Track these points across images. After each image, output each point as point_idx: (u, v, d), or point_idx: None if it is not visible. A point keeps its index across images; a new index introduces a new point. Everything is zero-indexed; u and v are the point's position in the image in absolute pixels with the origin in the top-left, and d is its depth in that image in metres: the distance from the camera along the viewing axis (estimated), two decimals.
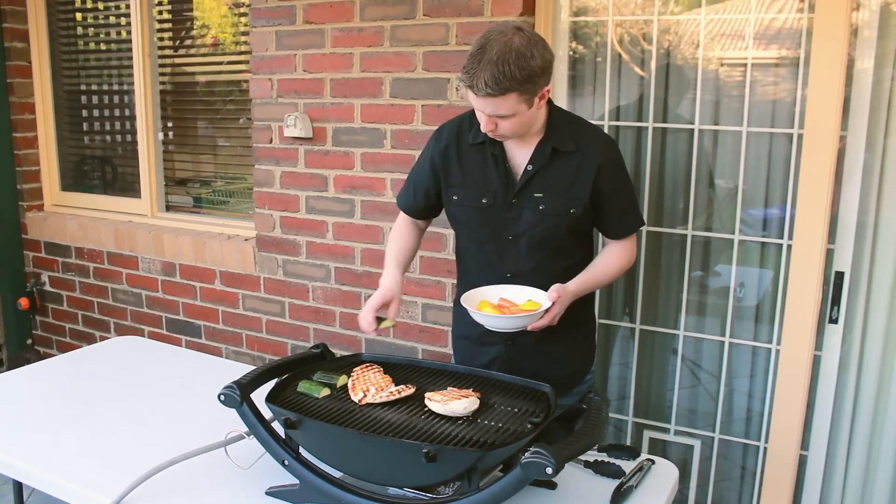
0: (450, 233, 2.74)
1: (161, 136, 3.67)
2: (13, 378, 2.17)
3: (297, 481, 1.50)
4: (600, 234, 2.02)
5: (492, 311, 1.76)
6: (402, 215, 2.09)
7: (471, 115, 1.91)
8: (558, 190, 1.83)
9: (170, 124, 3.70)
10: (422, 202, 2.01)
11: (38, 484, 1.64)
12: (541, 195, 1.83)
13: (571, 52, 2.64)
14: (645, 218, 2.57)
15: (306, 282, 3.12)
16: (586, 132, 1.88)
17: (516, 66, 1.60)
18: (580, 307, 1.90)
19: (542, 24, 2.56)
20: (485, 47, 1.62)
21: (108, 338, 3.49)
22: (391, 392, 1.56)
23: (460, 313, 2.03)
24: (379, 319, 1.83)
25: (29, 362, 2.37)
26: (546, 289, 1.79)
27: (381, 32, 2.74)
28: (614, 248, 1.96)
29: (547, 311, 1.74)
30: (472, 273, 1.98)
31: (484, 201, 1.86)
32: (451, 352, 2.16)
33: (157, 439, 1.75)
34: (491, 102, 1.65)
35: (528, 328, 1.75)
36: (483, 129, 1.74)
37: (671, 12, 2.51)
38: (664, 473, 1.66)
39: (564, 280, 1.82)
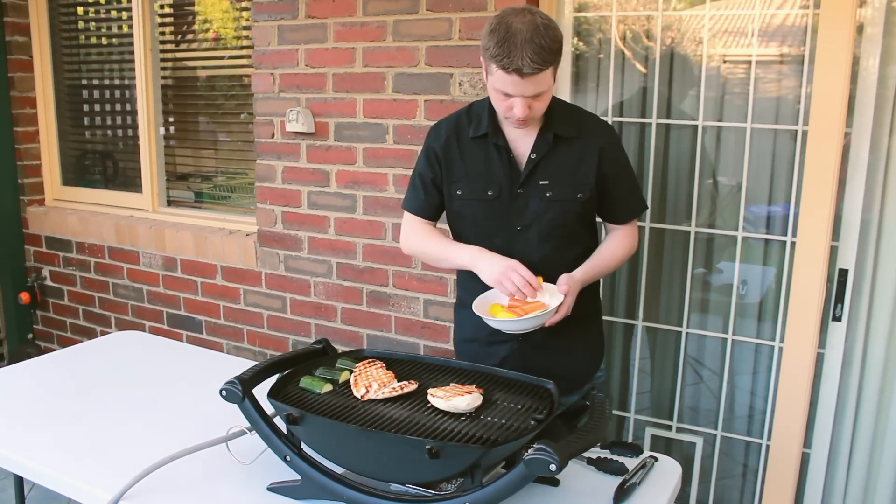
0: None
1: (162, 130, 3.66)
2: (14, 373, 2.17)
3: (299, 477, 1.49)
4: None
5: (506, 314, 1.75)
6: (408, 221, 2.03)
7: (468, 111, 1.92)
8: (563, 176, 1.84)
9: (171, 119, 3.69)
10: (435, 199, 1.97)
11: (38, 479, 1.63)
12: (546, 182, 1.83)
13: (574, 49, 2.63)
14: (648, 214, 2.57)
15: (308, 277, 3.11)
16: (585, 118, 1.91)
17: (549, 38, 1.63)
18: (587, 300, 1.89)
19: None
20: (510, 30, 1.62)
21: (108, 333, 3.49)
22: (394, 388, 1.55)
23: (464, 316, 2.02)
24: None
25: (29, 357, 2.36)
26: (556, 279, 1.79)
27: (384, 27, 2.74)
28: (617, 234, 1.97)
29: (560, 304, 1.75)
30: None
31: (490, 193, 1.86)
32: (455, 352, 2.13)
33: (158, 435, 1.74)
34: (534, 81, 1.65)
35: (546, 324, 1.75)
36: (518, 115, 1.71)
37: (674, 8, 2.50)
38: (667, 471, 1.65)
39: (573, 269, 1.83)
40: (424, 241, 1.99)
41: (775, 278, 2.49)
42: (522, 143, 1.85)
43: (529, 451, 1.24)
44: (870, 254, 2.30)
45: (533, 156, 1.83)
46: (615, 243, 1.96)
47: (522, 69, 1.62)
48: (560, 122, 1.84)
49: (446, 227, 2.02)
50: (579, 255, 1.90)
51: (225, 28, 3.49)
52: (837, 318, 2.35)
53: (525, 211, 1.85)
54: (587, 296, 1.89)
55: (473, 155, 1.89)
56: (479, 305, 1.81)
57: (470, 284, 1.98)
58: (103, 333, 3.78)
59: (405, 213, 2.04)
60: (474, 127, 1.88)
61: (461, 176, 1.90)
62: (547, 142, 1.83)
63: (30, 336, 4.10)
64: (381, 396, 1.53)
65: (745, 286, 2.54)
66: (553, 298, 1.77)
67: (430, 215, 2.01)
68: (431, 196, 1.97)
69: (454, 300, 2.77)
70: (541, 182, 1.84)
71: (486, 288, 1.85)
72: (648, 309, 2.68)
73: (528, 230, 1.86)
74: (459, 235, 1.98)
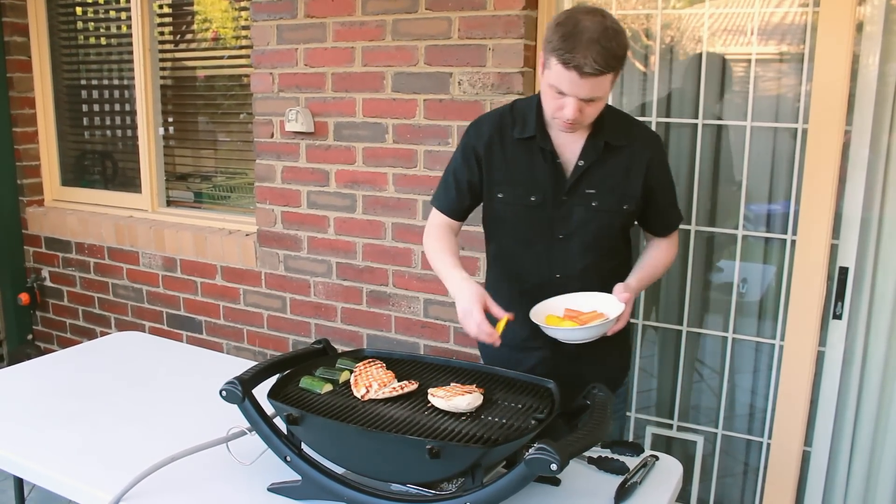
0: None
1: (161, 130, 3.66)
2: (13, 373, 2.16)
3: (300, 477, 1.49)
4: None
5: (568, 324, 1.71)
6: (435, 221, 1.93)
7: (511, 110, 1.85)
8: (611, 186, 1.78)
9: (170, 119, 3.69)
10: (466, 200, 1.88)
11: (38, 480, 1.63)
12: (593, 191, 1.77)
13: None
14: None
15: (307, 277, 3.11)
16: (634, 126, 1.85)
17: (616, 42, 1.57)
18: None
19: (545, 17, 2.54)
20: (578, 27, 1.56)
21: (108, 333, 3.49)
22: (394, 388, 1.55)
23: (493, 321, 1.93)
24: (492, 320, 1.67)
25: (29, 358, 2.36)
26: (595, 289, 1.76)
27: (383, 26, 2.73)
28: (661, 244, 1.93)
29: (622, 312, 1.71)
30: (516, 277, 1.89)
31: (533, 199, 1.79)
32: (481, 356, 2.09)
33: (158, 435, 1.74)
34: (591, 83, 1.58)
35: (608, 333, 1.71)
36: (568, 116, 1.64)
37: (674, 7, 2.49)
38: (668, 469, 1.65)
39: (612, 280, 1.78)
40: (434, 251, 1.88)
41: (775, 276, 2.49)
42: (569, 148, 1.78)
43: (530, 450, 1.24)
44: (870, 252, 2.30)
45: (581, 163, 1.77)
46: (661, 252, 1.92)
47: (583, 67, 1.55)
48: (610, 129, 1.77)
49: (474, 228, 1.95)
50: (617, 266, 1.86)
51: (224, 28, 3.48)
52: (838, 317, 2.34)
53: (568, 219, 1.79)
54: None
55: (517, 157, 1.81)
56: (536, 315, 1.75)
57: (503, 287, 1.91)
58: (103, 334, 3.78)
59: (432, 209, 1.95)
60: (520, 128, 1.80)
61: (503, 179, 1.82)
62: (596, 150, 1.76)
63: (29, 337, 4.10)
64: (381, 396, 1.53)
65: (746, 284, 2.53)
66: (610, 307, 1.72)
67: (458, 216, 1.92)
68: (463, 197, 1.88)
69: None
70: (587, 191, 1.77)
71: (515, 294, 1.82)
72: (648, 308, 2.68)
73: (571, 239, 1.81)
74: (497, 239, 1.91)
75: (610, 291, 1.75)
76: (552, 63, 1.60)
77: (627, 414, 2.75)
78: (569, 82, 1.59)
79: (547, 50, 1.61)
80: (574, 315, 1.74)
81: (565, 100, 1.63)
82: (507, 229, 1.87)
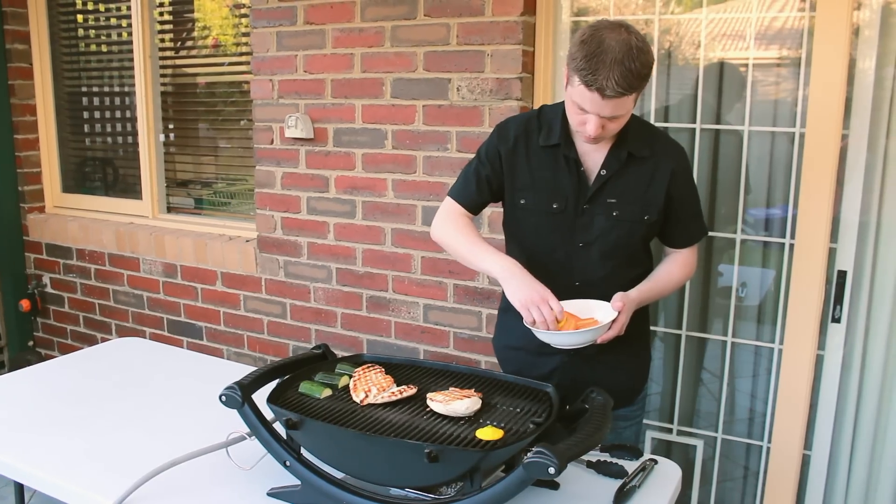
0: None
1: (162, 137, 3.67)
2: (14, 379, 2.17)
3: (299, 482, 1.49)
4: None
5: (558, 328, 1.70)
6: (450, 208, 1.92)
7: (538, 116, 1.85)
8: (632, 196, 1.79)
9: (171, 126, 3.70)
10: (485, 195, 1.89)
11: (39, 486, 1.63)
12: (614, 201, 1.78)
13: None
14: None
15: (307, 283, 3.12)
16: (658, 137, 1.85)
17: (640, 63, 1.56)
18: (639, 317, 1.85)
19: (543, 24, 2.55)
20: (602, 46, 1.55)
21: (109, 339, 3.49)
22: (393, 392, 1.55)
23: (510, 322, 1.93)
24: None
25: (30, 364, 2.37)
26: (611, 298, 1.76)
27: (382, 33, 2.74)
28: (676, 258, 1.92)
29: (614, 321, 1.70)
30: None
31: (555, 206, 1.80)
32: (497, 359, 2.07)
33: (158, 440, 1.74)
34: (614, 104, 1.59)
35: (598, 341, 1.70)
36: (591, 133, 1.65)
37: (672, 12, 2.50)
38: (667, 473, 1.65)
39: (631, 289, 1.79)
40: (457, 235, 1.87)
41: (774, 280, 2.49)
42: (593, 157, 1.79)
43: (529, 454, 1.24)
44: (868, 255, 2.31)
45: (603, 172, 1.78)
46: (674, 266, 1.91)
47: (605, 91, 1.56)
48: (634, 140, 1.77)
49: (493, 236, 1.93)
50: (639, 276, 1.86)
51: (224, 35, 3.50)
52: (837, 320, 2.35)
53: (589, 228, 1.80)
54: (639, 315, 1.84)
55: (541, 164, 1.82)
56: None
57: None
58: (104, 340, 3.78)
59: (447, 198, 1.94)
60: (545, 135, 1.81)
61: (526, 185, 1.83)
62: (619, 160, 1.77)
63: (30, 343, 4.10)
64: (380, 401, 1.53)
65: (745, 288, 2.54)
66: (606, 315, 1.72)
67: (473, 209, 1.92)
68: (483, 193, 1.89)
69: (454, 304, 2.78)
70: (608, 200, 1.78)
71: None
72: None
73: (591, 247, 1.81)
74: (518, 244, 1.92)
75: None
76: (575, 81, 1.61)
77: None
78: (591, 102, 1.60)
79: (570, 67, 1.61)
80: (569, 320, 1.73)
81: (588, 116, 1.64)
82: (529, 236, 1.87)
